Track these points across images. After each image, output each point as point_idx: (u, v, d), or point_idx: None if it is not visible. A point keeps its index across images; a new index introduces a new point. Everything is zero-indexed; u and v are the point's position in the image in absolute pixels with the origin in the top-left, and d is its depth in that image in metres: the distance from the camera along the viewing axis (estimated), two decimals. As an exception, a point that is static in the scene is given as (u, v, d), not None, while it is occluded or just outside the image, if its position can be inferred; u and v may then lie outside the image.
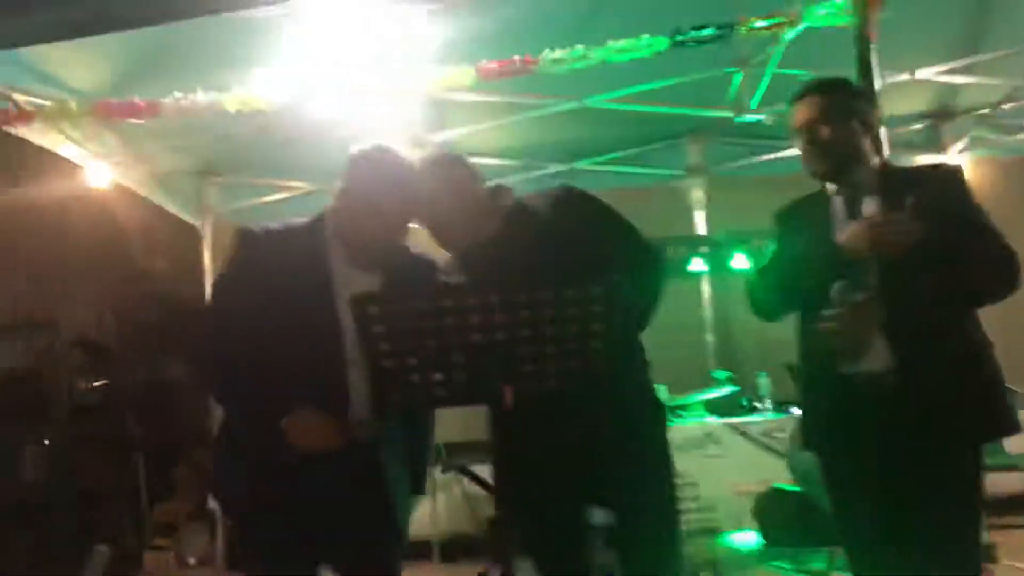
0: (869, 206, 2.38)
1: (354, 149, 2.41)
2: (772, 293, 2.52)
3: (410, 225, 2.41)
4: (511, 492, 2.01)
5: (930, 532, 2.30)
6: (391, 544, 2.42)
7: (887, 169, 2.50)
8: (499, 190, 2.52)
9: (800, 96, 2.52)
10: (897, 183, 2.39)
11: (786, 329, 2.63)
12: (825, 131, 2.43)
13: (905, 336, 2.28)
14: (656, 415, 2.51)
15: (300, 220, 2.44)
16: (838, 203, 2.47)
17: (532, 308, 1.91)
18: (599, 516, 2.50)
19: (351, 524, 2.30)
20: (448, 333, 1.92)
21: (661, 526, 2.44)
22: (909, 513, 2.32)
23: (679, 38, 3.57)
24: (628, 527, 2.41)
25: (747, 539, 3.53)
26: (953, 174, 2.45)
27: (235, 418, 2.36)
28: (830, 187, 2.51)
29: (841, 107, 2.46)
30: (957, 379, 2.29)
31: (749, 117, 4.98)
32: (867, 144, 2.47)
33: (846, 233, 2.31)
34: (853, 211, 2.41)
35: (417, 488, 2.57)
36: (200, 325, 2.36)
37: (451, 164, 2.49)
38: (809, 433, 2.53)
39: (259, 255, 2.30)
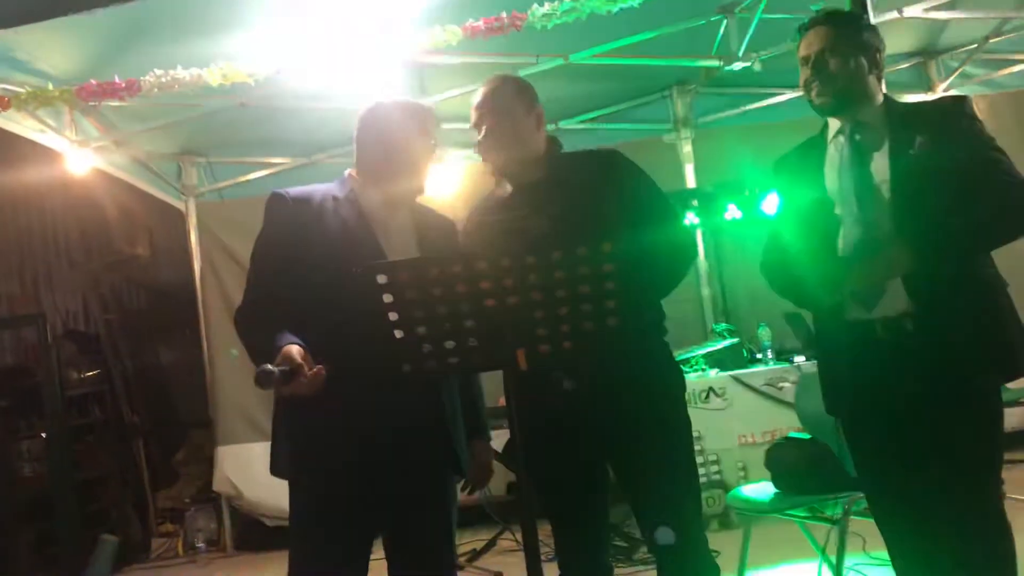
0: (878, 144, 2.33)
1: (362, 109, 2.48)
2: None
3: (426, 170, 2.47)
4: (529, 455, 1.96)
5: (951, 476, 2.28)
6: (448, 489, 2.42)
7: (893, 105, 2.42)
8: (551, 137, 2.54)
9: (808, 26, 2.43)
10: (905, 120, 2.33)
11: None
12: (833, 62, 2.35)
13: (920, 279, 2.22)
14: (675, 378, 2.50)
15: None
16: (842, 142, 2.40)
17: (544, 270, 1.86)
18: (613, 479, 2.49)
19: (413, 464, 2.30)
20: (459, 300, 1.88)
21: (681, 486, 2.42)
22: (929, 457, 2.30)
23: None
24: (649, 488, 2.41)
25: (759, 490, 3.51)
26: (961, 108, 2.35)
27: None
28: (833, 124, 2.44)
29: (849, 39, 2.38)
30: (974, 319, 2.24)
31: (739, 65, 4.89)
32: (874, 80, 2.40)
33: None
34: (859, 149, 2.35)
35: (477, 432, 2.55)
36: (248, 287, 2.36)
37: (521, 93, 2.49)
38: (831, 397, 2.46)
39: (292, 212, 2.33)
